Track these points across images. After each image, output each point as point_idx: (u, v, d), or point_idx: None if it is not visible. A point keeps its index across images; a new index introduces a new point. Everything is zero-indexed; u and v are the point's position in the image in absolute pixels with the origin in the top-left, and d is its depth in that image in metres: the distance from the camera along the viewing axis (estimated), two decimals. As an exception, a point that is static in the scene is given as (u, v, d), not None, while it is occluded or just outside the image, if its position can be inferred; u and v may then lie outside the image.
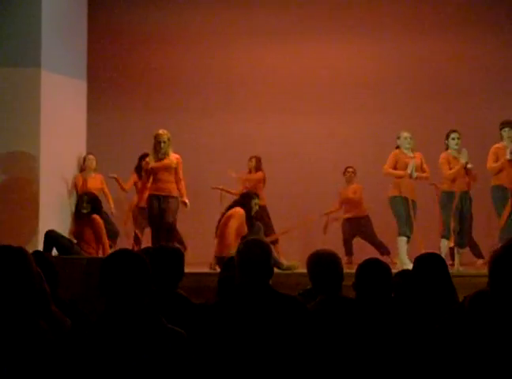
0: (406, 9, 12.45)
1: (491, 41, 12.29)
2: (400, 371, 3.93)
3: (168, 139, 9.40)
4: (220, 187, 10.99)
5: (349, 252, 10.92)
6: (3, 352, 3.08)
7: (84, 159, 11.18)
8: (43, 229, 9.62)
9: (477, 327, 3.20)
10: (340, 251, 10.58)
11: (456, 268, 9.19)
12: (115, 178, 10.99)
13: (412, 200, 9.40)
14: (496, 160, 9.23)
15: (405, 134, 9.56)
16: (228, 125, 12.48)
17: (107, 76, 12.37)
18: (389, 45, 12.37)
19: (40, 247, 8.96)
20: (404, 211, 9.32)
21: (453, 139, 9.40)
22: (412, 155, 9.48)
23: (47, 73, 10.45)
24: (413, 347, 3.94)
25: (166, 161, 9.34)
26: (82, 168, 11.16)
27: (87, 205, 9.38)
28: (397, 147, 9.61)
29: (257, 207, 9.14)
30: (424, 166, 9.54)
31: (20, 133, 10.26)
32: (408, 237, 9.37)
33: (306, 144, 12.32)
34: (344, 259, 10.27)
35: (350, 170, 11.16)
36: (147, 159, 9.54)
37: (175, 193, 9.40)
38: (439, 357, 3.58)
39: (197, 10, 12.50)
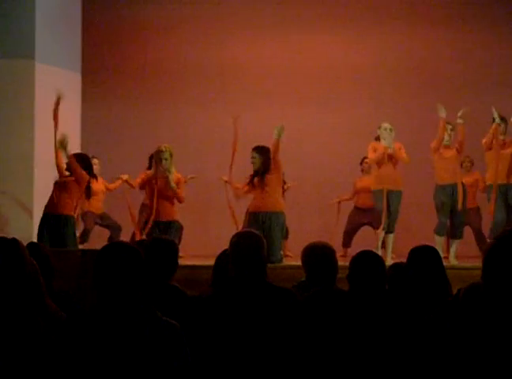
0: (399, 2, 12.44)
1: (484, 34, 12.30)
2: (393, 364, 3.93)
3: (170, 155, 8.99)
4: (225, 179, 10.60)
5: (348, 244, 10.88)
6: (-3, 344, 3.08)
7: None
8: (37, 220, 9.60)
9: (471, 319, 3.20)
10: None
11: (451, 260, 9.24)
12: (124, 180, 10.92)
13: (392, 191, 9.46)
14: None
15: (385, 125, 9.58)
16: (225, 116, 12.44)
17: (102, 69, 12.35)
18: (384, 38, 12.37)
19: (35, 239, 8.94)
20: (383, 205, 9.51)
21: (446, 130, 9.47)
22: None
23: (40, 65, 10.44)
24: (406, 340, 3.94)
25: (167, 183, 8.95)
26: None
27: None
28: (377, 137, 9.65)
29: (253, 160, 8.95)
30: (403, 155, 9.58)
31: (14, 124, 10.26)
32: (389, 231, 9.56)
33: (301, 136, 12.30)
34: (340, 251, 10.30)
35: (367, 160, 11.08)
36: (147, 172, 9.20)
37: (176, 216, 9.12)
38: (433, 349, 3.59)
39: (193, 2, 12.48)
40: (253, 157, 8.98)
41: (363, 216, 10.85)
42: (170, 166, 8.99)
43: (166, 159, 8.95)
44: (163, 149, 9.01)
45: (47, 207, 8.92)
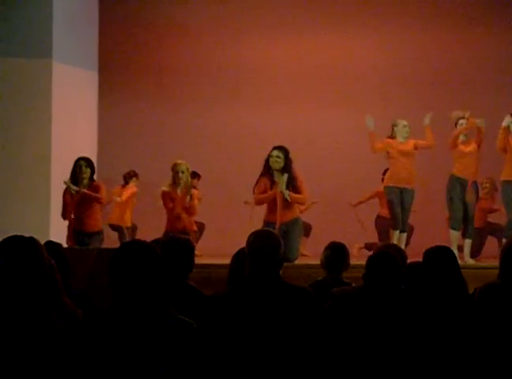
0: (413, 1, 12.42)
1: (495, 28, 12.22)
2: (410, 363, 3.93)
3: (187, 169, 9.10)
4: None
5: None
6: (14, 342, 3.10)
7: None
8: (54, 219, 9.64)
9: (487, 318, 3.20)
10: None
11: (466, 259, 9.16)
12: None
13: (405, 188, 9.40)
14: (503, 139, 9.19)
15: (404, 122, 9.48)
16: (239, 115, 12.48)
17: (119, 68, 12.39)
18: (394, 35, 12.34)
19: (52, 238, 8.97)
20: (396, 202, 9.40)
21: (462, 124, 9.44)
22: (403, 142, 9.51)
23: (58, 64, 10.48)
24: (423, 339, 3.94)
25: (185, 199, 9.04)
26: None
27: (86, 170, 8.90)
28: (390, 135, 9.56)
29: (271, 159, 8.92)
30: (420, 141, 9.56)
31: (31, 124, 10.30)
32: (401, 231, 9.42)
33: (315, 135, 12.30)
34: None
35: None
36: (163, 188, 9.12)
37: (194, 226, 9.23)
38: (449, 349, 3.59)
39: (208, 2, 12.50)
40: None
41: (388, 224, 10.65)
42: (187, 180, 9.07)
43: (183, 172, 9.04)
44: (179, 162, 9.13)
45: (75, 224, 8.95)
